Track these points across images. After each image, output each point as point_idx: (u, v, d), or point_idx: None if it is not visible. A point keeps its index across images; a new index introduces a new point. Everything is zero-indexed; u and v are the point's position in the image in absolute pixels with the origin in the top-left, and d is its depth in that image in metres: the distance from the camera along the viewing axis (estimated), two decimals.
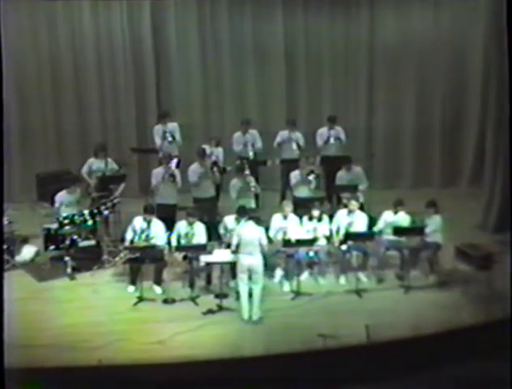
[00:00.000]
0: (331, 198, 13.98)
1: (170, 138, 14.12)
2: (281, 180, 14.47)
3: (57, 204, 12.50)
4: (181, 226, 11.66)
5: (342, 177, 13.30)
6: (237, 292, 10.87)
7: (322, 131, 14.44)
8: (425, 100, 16.20)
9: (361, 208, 12.40)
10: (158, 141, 14.19)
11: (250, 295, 10.69)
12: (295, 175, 13.07)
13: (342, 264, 11.94)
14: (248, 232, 10.68)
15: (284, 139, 14.38)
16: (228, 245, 11.18)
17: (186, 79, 15.98)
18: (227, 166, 13.75)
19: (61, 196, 12.53)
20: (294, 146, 14.24)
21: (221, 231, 11.86)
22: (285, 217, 11.84)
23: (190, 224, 11.56)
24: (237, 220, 11.37)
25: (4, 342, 7.51)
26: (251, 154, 14.13)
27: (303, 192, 12.98)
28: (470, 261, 11.47)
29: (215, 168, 13.09)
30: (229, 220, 11.66)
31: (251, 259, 10.54)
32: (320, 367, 9.42)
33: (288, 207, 11.91)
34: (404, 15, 15.75)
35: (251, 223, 10.84)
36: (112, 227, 13.25)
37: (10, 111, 15.24)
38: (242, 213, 11.24)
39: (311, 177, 12.88)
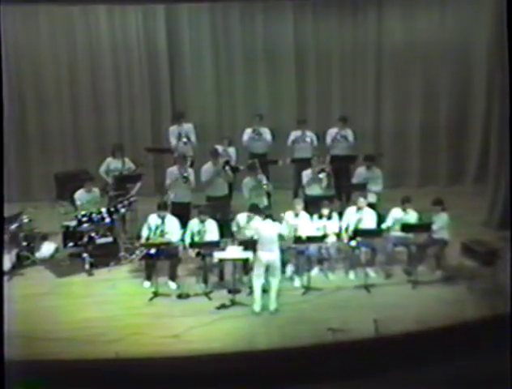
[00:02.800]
0: (341, 196, 14.07)
1: (185, 139, 14.31)
2: (293, 178, 14.53)
3: (78, 202, 12.72)
4: (194, 224, 11.83)
5: (360, 173, 13.43)
6: (250, 287, 11.06)
7: (332, 131, 14.58)
8: (431, 101, 16.29)
9: (373, 208, 12.49)
10: (173, 142, 14.37)
11: (264, 290, 10.89)
12: (307, 174, 13.19)
13: (351, 260, 12.08)
14: (267, 230, 10.84)
15: (298, 138, 14.56)
16: (241, 243, 11.30)
17: (199, 81, 16.13)
18: (239, 165, 13.96)
19: (80, 194, 12.76)
20: (308, 144, 14.48)
21: (234, 228, 12.01)
22: (296, 215, 11.94)
23: (202, 221, 11.74)
24: (249, 218, 11.57)
25: (21, 334, 7.66)
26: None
27: (315, 190, 13.11)
28: (475, 257, 11.59)
29: (227, 167, 13.19)
30: (242, 218, 11.85)
31: (270, 255, 10.71)
32: (329, 360, 9.42)
33: (299, 205, 12.02)
34: (411, 17, 15.80)
35: (268, 220, 11.02)
36: (128, 224, 13.45)
37: (29, 113, 15.65)
38: (254, 211, 11.40)
39: (322, 176, 13.01)
